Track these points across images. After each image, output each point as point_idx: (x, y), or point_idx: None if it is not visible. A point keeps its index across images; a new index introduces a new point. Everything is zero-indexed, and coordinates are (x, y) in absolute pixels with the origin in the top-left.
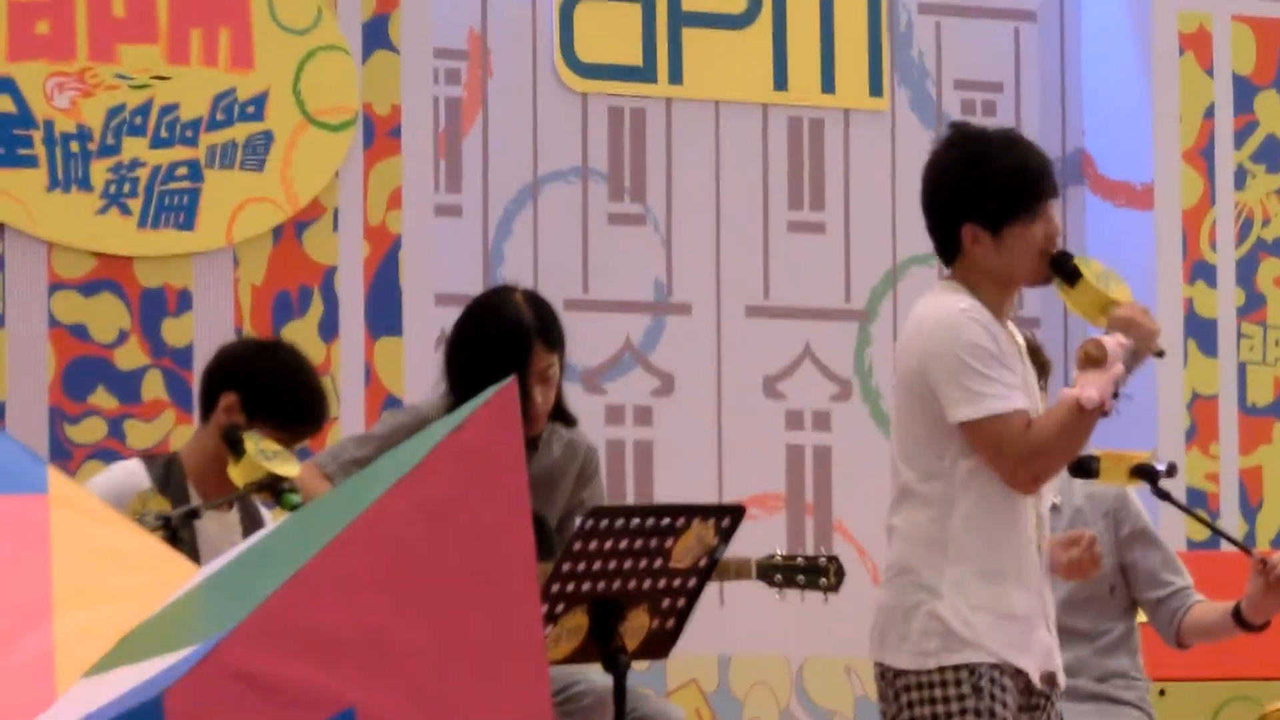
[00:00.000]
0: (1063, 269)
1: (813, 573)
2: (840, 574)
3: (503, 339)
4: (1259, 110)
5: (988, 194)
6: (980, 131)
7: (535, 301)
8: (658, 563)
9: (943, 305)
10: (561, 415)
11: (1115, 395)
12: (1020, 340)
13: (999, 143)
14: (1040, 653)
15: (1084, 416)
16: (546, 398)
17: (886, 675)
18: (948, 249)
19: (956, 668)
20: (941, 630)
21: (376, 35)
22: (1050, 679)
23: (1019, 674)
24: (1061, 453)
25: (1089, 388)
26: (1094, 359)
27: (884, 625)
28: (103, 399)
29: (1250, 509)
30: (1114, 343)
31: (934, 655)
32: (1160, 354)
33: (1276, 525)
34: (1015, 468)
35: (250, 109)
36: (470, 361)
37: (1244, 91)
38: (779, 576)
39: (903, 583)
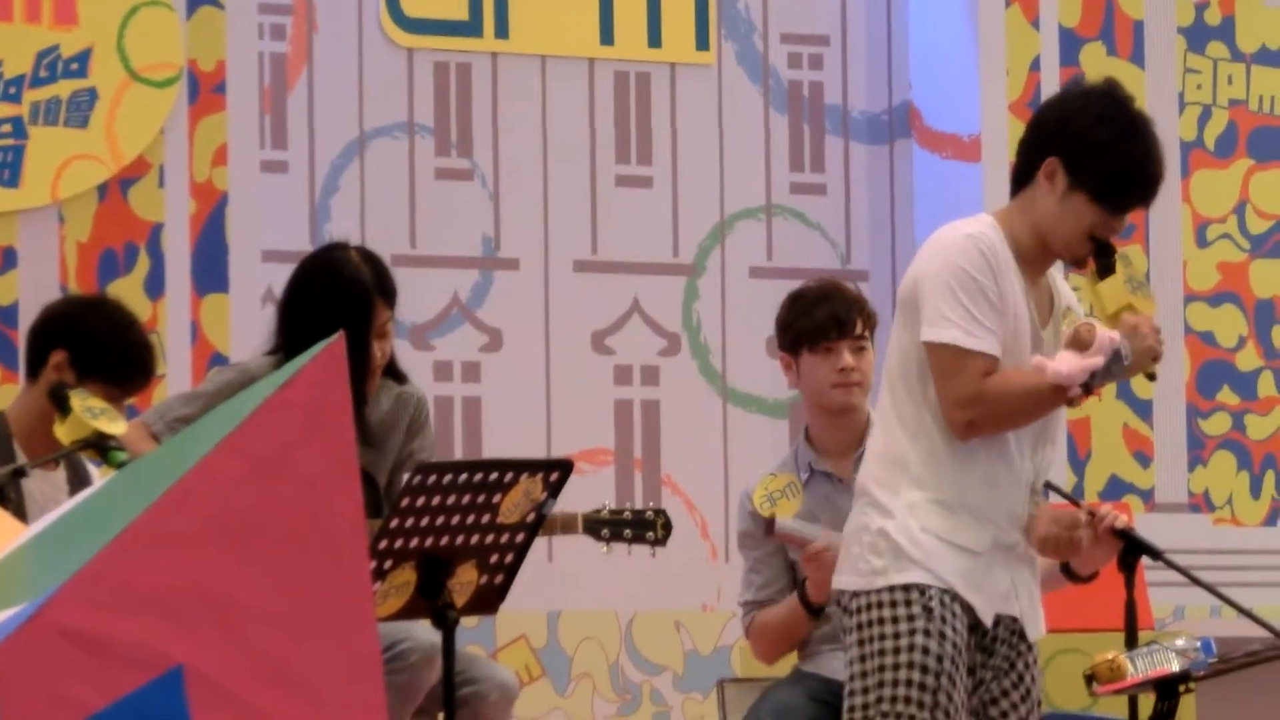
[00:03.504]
0: (1103, 257)
1: (640, 526)
2: (668, 528)
3: (343, 297)
4: (1085, 62)
5: (1098, 153)
6: (1134, 105)
7: (370, 258)
8: (486, 518)
9: (958, 227)
10: (393, 372)
11: (1088, 390)
12: (1062, 299)
13: (1142, 124)
14: (996, 594)
15: (1046, 389)
16: (384, 353)
17: (842, 601)
18: (1022, 173)
19: (906, 587)
20: (891, 549)
21: None
22: (1013, 626)
23: (968, 608)
24: (1006, 412)
25: (1061, 364)
26: (1082, 341)
27: (841, 554)
28: None
29: (1079, 460)
30: (1107, 336)
31: (882, 574)
32: (1152, 376)
33: (1105, 477)
34: (955, 406)
35: (74, 66)
36: (308, 319)
37: (1070, 44)
38: (606, 531)
39: (859, 506)
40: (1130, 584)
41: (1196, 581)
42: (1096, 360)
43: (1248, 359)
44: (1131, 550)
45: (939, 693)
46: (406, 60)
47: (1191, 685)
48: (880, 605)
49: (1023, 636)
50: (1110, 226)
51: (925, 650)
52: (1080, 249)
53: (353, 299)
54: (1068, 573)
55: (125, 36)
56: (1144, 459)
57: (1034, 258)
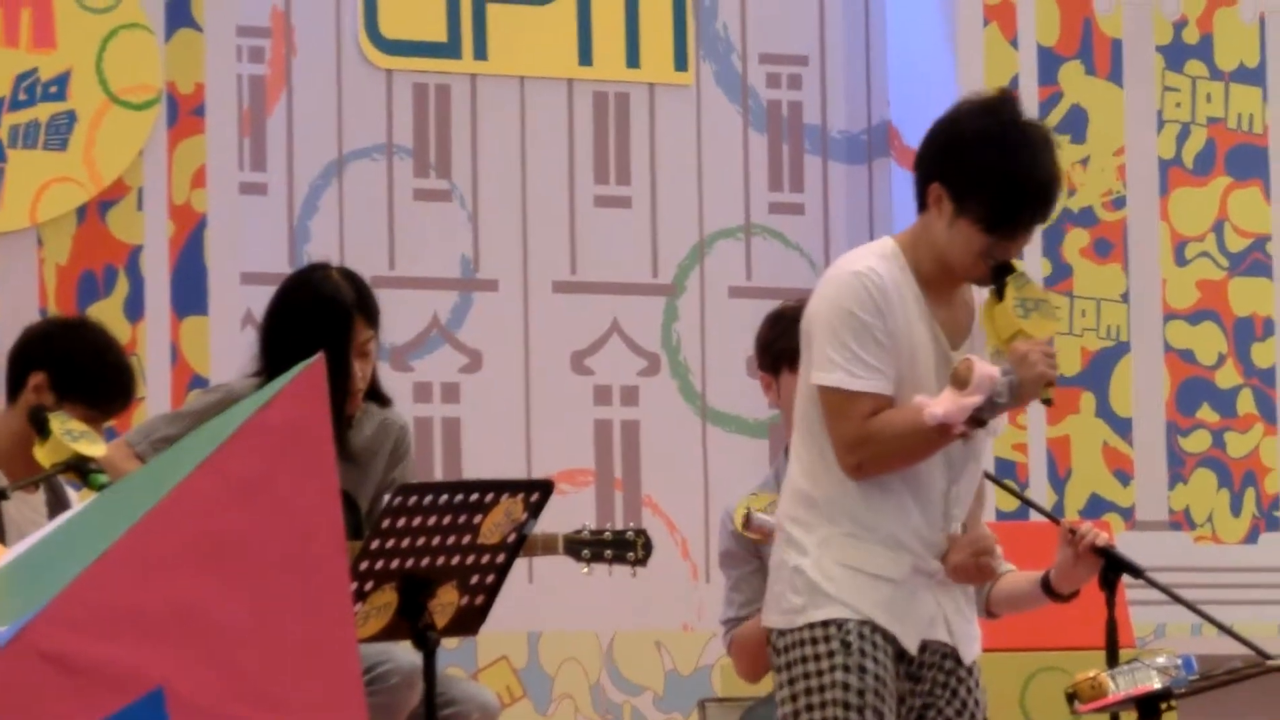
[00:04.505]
0: (995, 280)
1: (620, 547)
2: (648, 548)
3: (323, 314)
4: (1063, 81)
5: (975, 178)
6: (1016, 118)
7: (351, 277)
8: (466, 539)
9: (849, 260)
10: (376, 395)
11: (980, 423)
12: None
13: (1025, 140)
14: (920, 621)
15: (927, 430)
16: (365, 373)
17: (770, 640)
18: (919, 195)
19: (825, 623)
20: (807, 586)
21: (179, 13)
22: (944, 651)
23: (889, 637)
24: (893, 453)
25: (938, 405)
26: (960, 379)
27: (767, 592)
28: None
29: (1059, 479)
30: (985, 373)
31: (801, 612)
32: (1047, 402)
33: (1085, 495)
34: (842, 448)
35: (53, 89)
36: (289, 338)
37: (1048, 62)
38: (586, 551)
39: (778, 542)
40: (1111, 602)
41: (1177, 599)
42: (975, 399)
43: (1227, 377)
44: (1112, 568)
45: None
46: (385, 82)
47: (1173, 703)
48: (802, 644)
49: (959, 661)
50: (1003, 249)
51: (846, 686)
52: (976, 272)
53: (332, 316)
54: (1049, 591)
55: (104, 59)
56: (1124, 477)
57: (939, 279)
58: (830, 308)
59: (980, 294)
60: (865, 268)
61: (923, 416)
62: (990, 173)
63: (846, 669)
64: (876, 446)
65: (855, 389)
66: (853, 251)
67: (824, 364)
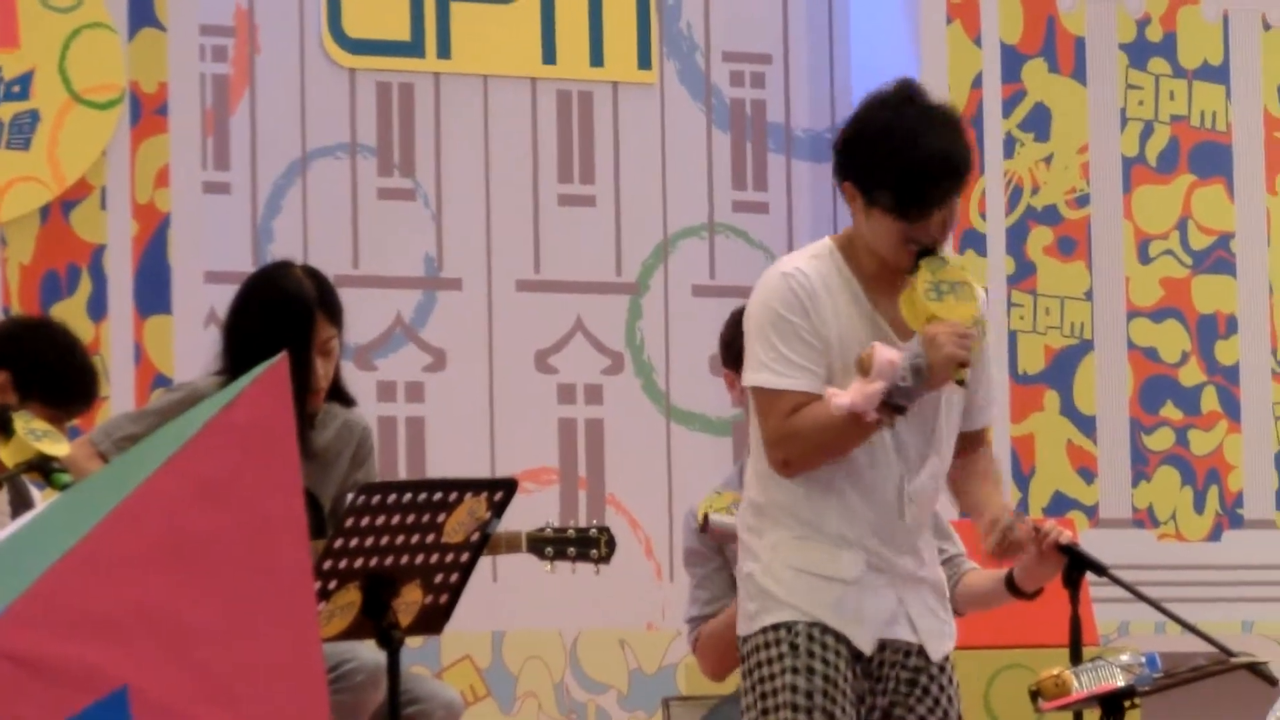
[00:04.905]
0: (912, 265)
1: (583, 545)
2: (611, 545)
3: (284, 311)
4: (1026, 79)
5: (874, 169)
6: (913, 104)
7: (314, 275)
8: (430, 538)
9: (781, 262)
10: (340, 395)
11: (899, 410)
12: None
13: (921, 122)
14: (877, 620)
15: (841, 421)
16: (327, 371)
17: (738, 646)
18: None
19: (775, 627)
20: (759, 592)
21: (142, 12)
22: (906, 649)
23: (841, 638)
24: (815, 446)
25: (845, 395)
26: (862, 367)
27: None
28: None
29: (1023, 477)
30: (885, 358)
31: (755, 617)
32: (961, 383)
33: (1049, 493)
34: (769, 445)
35: (16, 88)
36: (251, 335)
37: (1011, 60)
38: (550, 549)
39: (740, 550)
40: (1075, 600)
41: (1141, 597)
42: (877, 386)
43: (1190, 374)
44: (1076, 566)
45: None
46: (349, 80)
47: (1137, 701)
48: (757, 649)
49: (928, 658)
50: (923, 230)
51: (794, 688)
52: (902, 259)
53: (294, 314)
54: (1013, 589)
55: (67, 58)
56: (1088, 475)
57: (881, 275)
58: (758, 310)
59: None
60: (792, 268)
61: (830, 408)
62: (889, 159)
63: (795, 671)
64: (800, 442)
65: (780, 387)
66: (786, 255)
67: (752, 364)
